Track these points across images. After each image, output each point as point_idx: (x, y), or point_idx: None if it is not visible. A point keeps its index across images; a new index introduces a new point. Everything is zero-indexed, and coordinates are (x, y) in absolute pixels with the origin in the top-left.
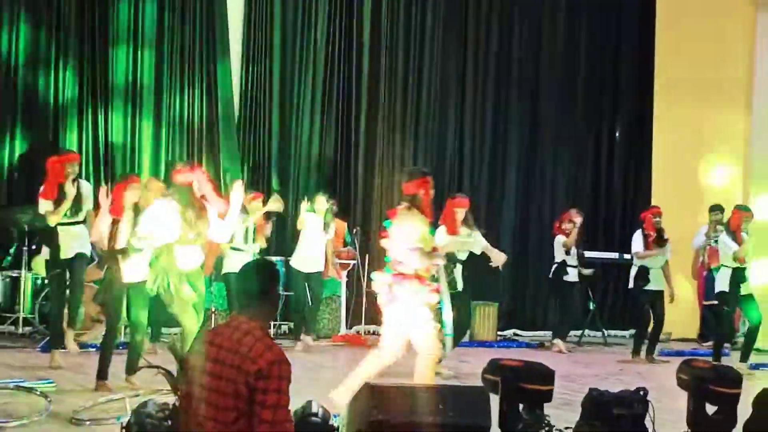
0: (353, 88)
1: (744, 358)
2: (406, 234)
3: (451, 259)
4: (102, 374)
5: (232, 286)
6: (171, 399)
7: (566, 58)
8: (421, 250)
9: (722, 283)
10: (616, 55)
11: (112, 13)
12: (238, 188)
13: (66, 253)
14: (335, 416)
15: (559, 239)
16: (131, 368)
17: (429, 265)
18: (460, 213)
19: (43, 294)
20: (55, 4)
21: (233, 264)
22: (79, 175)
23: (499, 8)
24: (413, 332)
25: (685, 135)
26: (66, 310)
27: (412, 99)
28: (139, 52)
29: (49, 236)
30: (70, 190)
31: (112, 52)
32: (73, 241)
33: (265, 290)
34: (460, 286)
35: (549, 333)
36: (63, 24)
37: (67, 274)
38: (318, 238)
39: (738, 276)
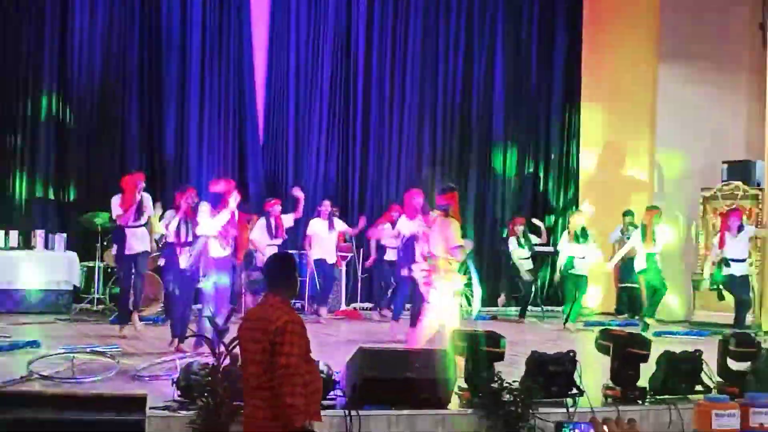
0: (350, 117)
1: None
2: (447, 235)
3: None
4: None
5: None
6: (210, 360)
7: (515, 101)
8: (461, 247)
9: (639, 265)
10: (550, 95)
11: (166, 61)
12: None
13: (131, 249)
14: (337, 372)
15: (513, 240)
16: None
17: (461, 258)
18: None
19: (112, 279)
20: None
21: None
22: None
23: (465, 44)
24: (445, 311)
25: (605, 153)
26: (132, 295)
27: (395, 124)
28: (185, 102)
29: (120, 236)
30: (139, 201)
31: (164, 104)
32: (137, 240)
33: (286, 275)
34: None
35: (501, 308)
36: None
37: (133, 267)
38: (325, 237)
39: (649, 259)
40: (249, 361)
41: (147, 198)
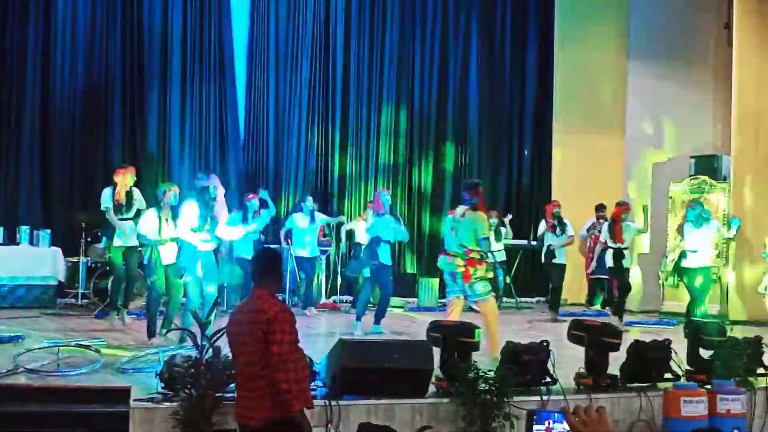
0: (329, 113)
1: (620, 316)
2: (476, 227)
3: None
4: (151, 332)
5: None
6: (193, 353)
7: (489, 95)
8: (488, 239)
9: (609, 260)
10: (524, 94)
11: (148, 59)
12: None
13: (122, 242)
14: (317, 363)
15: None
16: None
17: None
18: (387, 197)
19: (96, 274)
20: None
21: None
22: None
23: (440, 42)
24: (478, 300)
25: (577, 152)
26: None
27: (373, 119)
28: (167, 99)
29: (110, 229)
30: (131, 195)
31: (146, 101)
32: (126, 233)
33: (272, 269)
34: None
35: None
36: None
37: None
38: (306, 231)
39: (618, 254)
40: (242, 353)
41: (137, 192)
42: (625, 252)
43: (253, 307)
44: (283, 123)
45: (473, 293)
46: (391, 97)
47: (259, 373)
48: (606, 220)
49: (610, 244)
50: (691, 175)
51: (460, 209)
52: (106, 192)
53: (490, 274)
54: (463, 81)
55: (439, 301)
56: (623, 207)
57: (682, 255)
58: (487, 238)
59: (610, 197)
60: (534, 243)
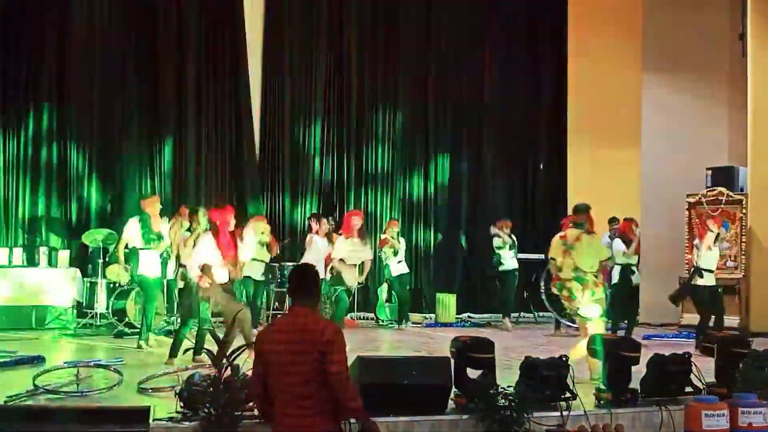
0: (343, 138)
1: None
2: (596, 251)
3: None
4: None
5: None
6: (212, 372)
7: (504, 109)
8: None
9: (617, 274)
10: (539, 107)
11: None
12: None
13: (145, 271)
14: None
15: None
16: (199, 349)
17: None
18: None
19: (114, 294)
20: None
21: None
22: None
23: (454, 57)
24: (591, 321)
25: (592, 164)
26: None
27: (387, 144)
28: (183, 124)
29: (135, 255)
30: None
31: (162, 125)
32: (152, 262)
33: (313, 286)
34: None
35: (494, 315)
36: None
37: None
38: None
39: (627, 271)
40: (291, 373)
41: (164, 221)
42: (633, 268)
43: (304, 327)
44: (299, 146)
45: (585, 316)
46: (405, 110)
47: (312, 392)
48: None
49: (619, 260)
50: (707, 187)
51: (573, 232)
52: (134, 224)
53: (601, 295)
54: (478, 94)
55: (457, 317)
56: (631, 222)
57: (697, 273)
58: (611, 257)
59: (625, 210)
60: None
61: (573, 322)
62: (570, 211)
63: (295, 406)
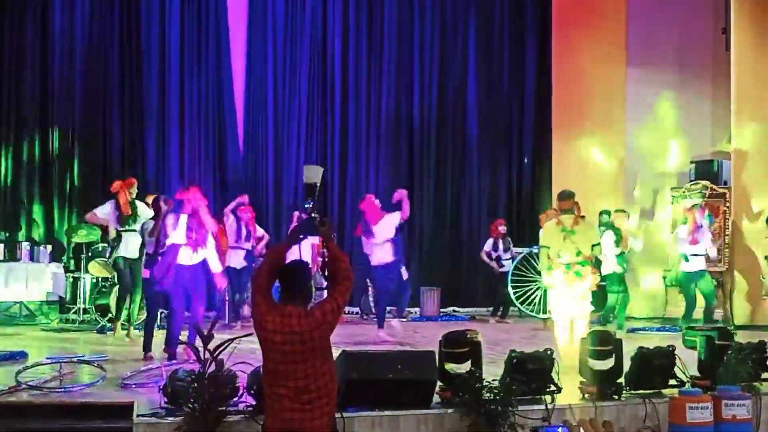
0: (327, 126)
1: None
2: (591, 237)
3: None
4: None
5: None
6: (196, 367)
7: (488, 104)
8: (599, 245)
9: (608, 267)
10: (523, 102)
11: (146, 71)
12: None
13: (129, 253)
14: None
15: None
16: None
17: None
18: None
19: (97, 289)
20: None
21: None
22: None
23: (438, 50)
24: (578, 311)
25: (577, 159)
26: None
27: (372, 136)
28: (166, 115)
29: (118, 240)
30: (135, 207)
31: (145, 117)
32: (133, 245)
33: (305, 283)
34: None
35: (478, 309)
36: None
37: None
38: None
39: (619, 260)
40: (287, 371)
41: (141, 204)
42: (624, 257)
43: (296, 329)
44: (282, 136)
45: (582, 302)
46: (390, 105)
47: (311, 387)
48: (609, 226)
49: (613, 251)
50: (691, 181)
51: (568, 218)
52: (107, 207)
53: (592, 283)
54: (462, 90)
55: (442, 310)
56: (621, 214)
57: (683, 258)
58: (599, 244)
59: (610, 205)
60: (534, 250)
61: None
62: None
63: (298, 401)
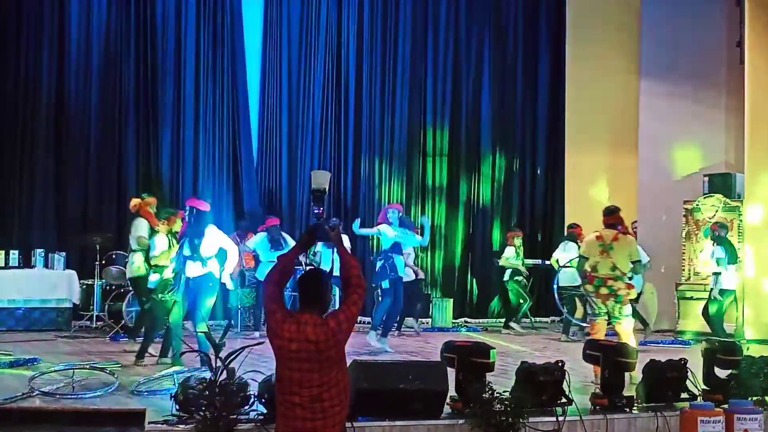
0: (341, 136)
1: None
2: (630, 251)
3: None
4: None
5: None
6: (208, 375)
7: (502, 115)
8: (639, 262)
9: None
10: (537, 113)
11: (161, 83)
12: None
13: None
14: None
15: (509, 250)
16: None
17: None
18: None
19: (110, 297)
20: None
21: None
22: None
23: (452, 63)
24: (622, 320)
25: (589, 170)
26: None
27: (386, 147)
28: (180, 125)
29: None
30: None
31: (160, 126)
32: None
33: (324, 291)
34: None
35: (490, 320)
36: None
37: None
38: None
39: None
40: (302, 380)
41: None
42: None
43: (311, 338)
44: (296, 146)
45: (621, 315)
46: (403, 117)
47: (324, 395)
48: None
49: None
50: (705, 194)
51: (609, 233)
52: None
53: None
54: (475, 99)
55: (453, 321)
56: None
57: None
58: (639, 261)
59: (623, 215)
60: (548, 262)
61: (584, 322)
62: (567, 216)
63: (308, 409)
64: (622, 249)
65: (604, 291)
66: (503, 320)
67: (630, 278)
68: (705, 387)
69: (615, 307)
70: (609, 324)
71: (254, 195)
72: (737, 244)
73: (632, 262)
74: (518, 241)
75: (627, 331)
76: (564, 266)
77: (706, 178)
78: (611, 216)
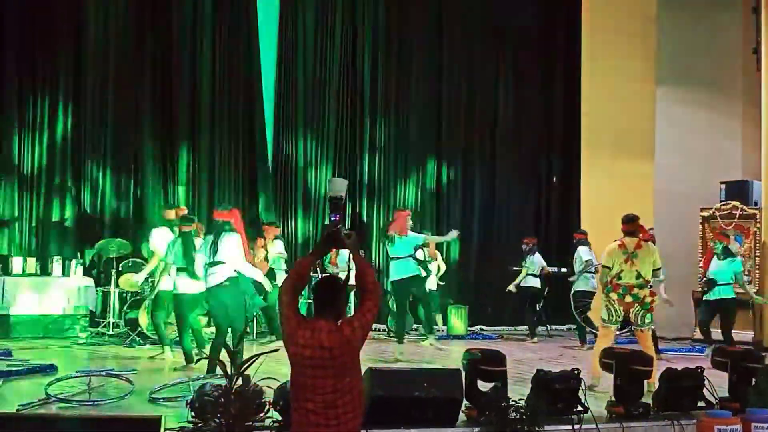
0: (357, 144)
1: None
2: (654, 259)
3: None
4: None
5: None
6: (223, 382)
7: (517, 122)
8: (661, 269)
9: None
10: (552, 120)
11: (178, 89)
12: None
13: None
14: None
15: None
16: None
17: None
18: (407, 220)
19: (127, 304)
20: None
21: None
22: None
23: (467, 72)
24: (644, 329)
25: (605, 177)
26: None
27: (400, 154)
28: (197, 131)
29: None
30: None
31: (177, 133)
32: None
33: (339, 298)
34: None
35: (505, 327)
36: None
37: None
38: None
39: None
40: (316, 386)
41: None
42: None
43: (326, 344)
44: (310, 151)
45: (643, 323)
46: (418, 124)
47: (338, 402)
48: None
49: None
50: (721, 201)
51: (631, 241)
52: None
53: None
54: (491, 107)
55: (469, 329)
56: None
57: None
58: (660, 269)
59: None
60: (564, 270)
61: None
62: (583, 224)
63: (322, 416)
64: (647, 256)
65: (629, 299)
66: (524, 328)
67: (650, 285)
68: (723, 396)
69: (639, 315)
70: (624, 332)
71: (270, 202)
72: (755, 251)
73: (654, 270)
74: (535, 249)
75: (649, 338)
76: (584, 272)
77: (723, 186)
78: (631, 224)
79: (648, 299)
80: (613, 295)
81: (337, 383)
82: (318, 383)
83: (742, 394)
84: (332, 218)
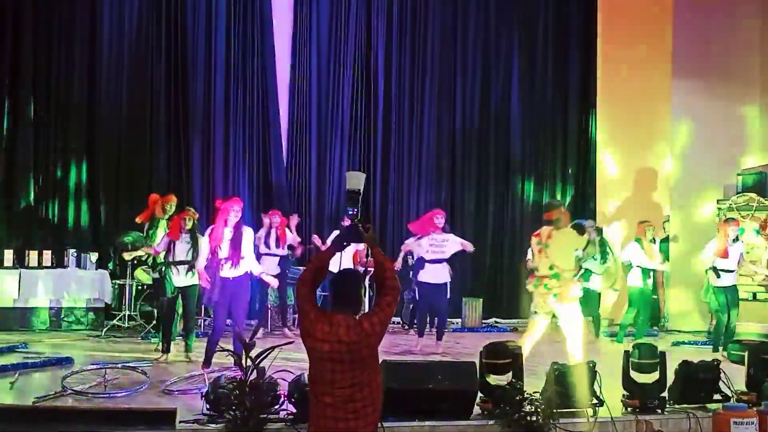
0: (370, 135)
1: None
2: (572, 245)
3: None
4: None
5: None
6: (238, 374)
7: (531, 113)
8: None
9: (635, 280)
10: (567, 114)
11: (192, 84)
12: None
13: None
14: None
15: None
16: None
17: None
18: (439, 220)
19: (142, 297)
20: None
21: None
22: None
23: (481, 66)
24: (568, 321)
25: (622, 170)
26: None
27: (414, 148)
28: (211, 122)
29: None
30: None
31: (191, 124)
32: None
33: (357, 292)
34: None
35: (519, 320)
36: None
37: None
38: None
39: (644, 274)
40: (335, 380)
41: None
42: (650, 273)
43: (344, 339)
44: (325, 144)
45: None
46: (432, 119)
47: (356, 396)
48: (652, 240)
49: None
50: (738, 193)
51: (546, 230)
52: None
53: (578, 292)
54: (506, 100)
55: (483, 321)
56: (646, 224)
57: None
58: (583, 256)
59: (655, 216)
60: None
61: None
62: (598, 216)
63: (340, 410)
64: (559, 245)
65: (541, 289)
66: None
67: (575, 275)
68: (740, 389)
69: (544, 306)
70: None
71: (283, 193)
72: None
73: (578, 258)
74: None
75: (572, 329)
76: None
77: (740, 177)
78: (549, 211)
79: (559, 289)
80: (530, 287)
81: (355, 377)
82: (336, 377)
83: (759, 387)
84: (350, 212)
